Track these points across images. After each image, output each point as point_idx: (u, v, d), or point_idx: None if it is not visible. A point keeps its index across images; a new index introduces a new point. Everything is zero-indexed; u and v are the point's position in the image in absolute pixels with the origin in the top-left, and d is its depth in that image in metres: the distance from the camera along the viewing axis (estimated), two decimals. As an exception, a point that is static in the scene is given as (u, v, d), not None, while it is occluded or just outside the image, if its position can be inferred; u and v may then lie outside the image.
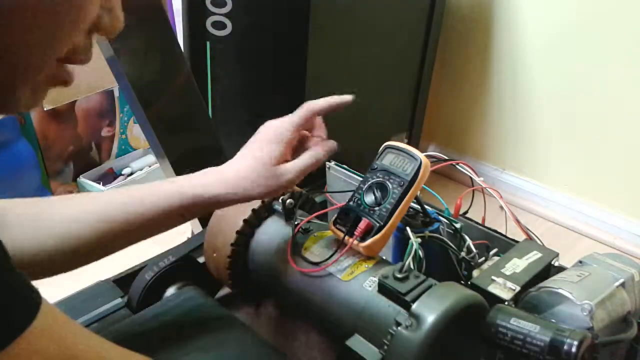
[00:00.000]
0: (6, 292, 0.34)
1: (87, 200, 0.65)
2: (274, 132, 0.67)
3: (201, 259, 0.90)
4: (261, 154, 0.66)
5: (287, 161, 0.67)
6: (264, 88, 1.33)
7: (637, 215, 1.54)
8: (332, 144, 0.70)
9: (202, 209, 0.66)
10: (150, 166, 1.86)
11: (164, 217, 0.64)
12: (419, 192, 0.71)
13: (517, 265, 0.72)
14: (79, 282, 0.87)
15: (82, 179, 1.76)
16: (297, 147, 0.70)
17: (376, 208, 0.69)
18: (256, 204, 0.81)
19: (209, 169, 0.68)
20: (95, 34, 0.42)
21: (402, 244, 0.73)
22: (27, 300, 0.36)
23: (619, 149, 1.51)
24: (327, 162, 1.01)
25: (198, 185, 0.65)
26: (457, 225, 0.76)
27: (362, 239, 0.69)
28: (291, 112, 0.70)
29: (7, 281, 0.35)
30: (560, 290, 0.64)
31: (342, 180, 0.98)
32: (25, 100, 0.40)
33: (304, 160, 0.67)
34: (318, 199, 0.95)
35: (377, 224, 0.68)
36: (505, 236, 0.87)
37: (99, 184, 1.74)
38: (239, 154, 0.68)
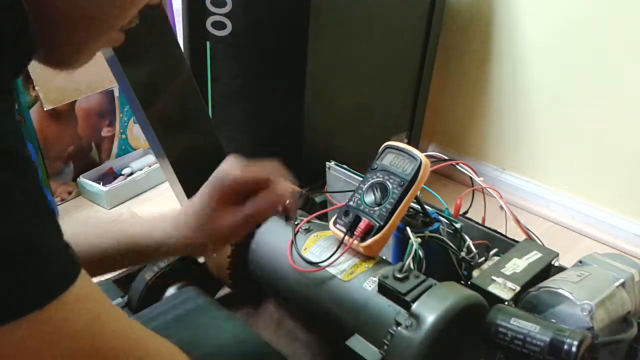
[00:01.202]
0: (49, 254, 0.35)
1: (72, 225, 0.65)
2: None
3: (201, 259, 0.90)
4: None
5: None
6: (264, 88, 1.33)
7: (637, 215, 1.54)
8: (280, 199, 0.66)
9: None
10: (150, 166, 1.86)
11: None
12: (419, 192, 0.71)
13: (517, 265, 0.72)
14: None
15: (82, 179, 1.76)
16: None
17: (376, 208, 0.69)
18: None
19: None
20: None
21: (402, 244, 0.73)
22: (67, 267, 0.36)
23: (619, 149, 1.51)
24: (327, 162, 1.02)
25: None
26: (457, 225, 0.76)
27: (362, 239, 0.69)
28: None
29: (52, 244, 0.35)
30: (560, 290, 0.64)
31: (342, 180, 0.99)
32: (85, 59, 0.44)
33: (245, 209, 0.65)
34: (318, 199, 0.95)
35: (377, 224, 0.68)
36: (505, 236, 0.87)
37: (99, 184, 1.74)
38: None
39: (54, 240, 0.36)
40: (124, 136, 1.91)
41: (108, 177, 1.82)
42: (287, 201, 0.66)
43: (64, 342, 0.35)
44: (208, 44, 1.28)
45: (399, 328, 0.59)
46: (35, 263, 0.33)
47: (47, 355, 0.35)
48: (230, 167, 0.66)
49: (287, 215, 0.74)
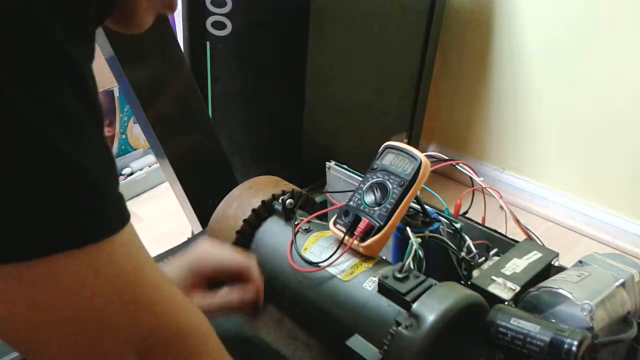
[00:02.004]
0: (110, 194, 0.37)
1: None
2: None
3: (201, 259, 0.90)
4: None
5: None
6: (264, 88, 1.33)
7: (637, 215, 1.54)
8: (249, 295, 0.70)
9: None
10: (150, 166, 1.86)
11: None
12: (419, 192, 0.71)
13: (517, 265, 0.72)
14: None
15: (82, 179, 1.76)
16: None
17: (376, 208, 0.69)
18: (256, 204, 0.81)
19: None
20: None
21: (402, 244, 0.73)
22: (123, 211, 0.38)
23: (619, 149, 1.51)
24: (327, 162, 1.02)
25: None
26: (457, 225, 0.76)
27: (362, 239, 0.69)
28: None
29: (113, 187, 0.38)
30: (560, 290, 0.64)
31: (342, 180, 0.99)
32: (147, 22, 0.48)
33: (217, 297, 0.69)
34: (318, 199, 0.95)
35: (377, 224, 0.68)
36: (505, 236, 0.87)
37: (99, 184, 1.74)
38: None
39: (114, 184, 0.38)
40: (124, 136, 1.91)
41: (108, 177, 1.82)
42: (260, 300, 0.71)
43: (107, 279, 0.37)
44: (208, 44, 1.28)
45: (399, 328, 0.59)
46: (99, 198, 0.36)
47: (89, 288, 0.36)
48: (204, 252, 0.68)
49: (287, 215, 0.74)
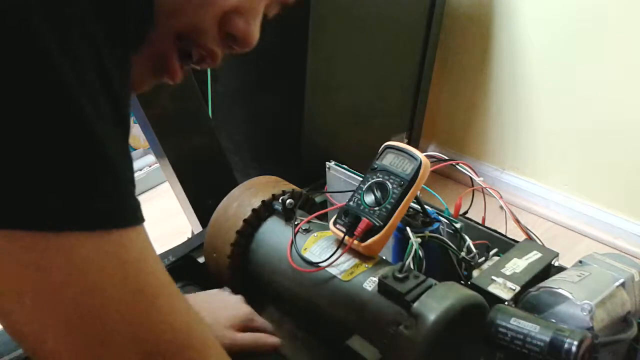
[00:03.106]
0: (131, 191, 0.38)
1: None
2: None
3: (201, 259, 0.90)
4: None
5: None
6: (264, 88, 1.33)
7: (637, 215, 1.54)
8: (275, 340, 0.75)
9: None
10: (150, 166, 1.86)
11: None
12: (419, 192, 0.71)
13: (517, 265, 0.72)
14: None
15: (82, 179, 1.76)
16: None
17: (376, 208, 0.69)
18: (256, 204, 0.81)
19: None
20: (225, 42, 0.48)
21: (402, 244, 0.73)
22: (136, 210, 0.39)
23: (619, 149, 1.51)
24: (327, 162, 1.02)
25: None
26: (457, 225, 0.76)
27: (362, 239, 0.69)
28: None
29: (132, 188, 0.39)
30: (560, 290, 0.64)
31: (342, 180, 0.99)
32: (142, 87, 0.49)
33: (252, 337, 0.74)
34: (318, 199, 0.95)
35: (377, 224, 0.68)
36: (505, 236, 0.87)
37: (99, 184, 1.74)
38: None
39: (132, 186, 0.39)
40: (124, 136, 1.91)
41: (108, 177, 1.82)
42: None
43: (115, 265, 0.37)
44: (208, 44, 1.28)
45: (399, 328, 0.59)
46: (120, 187, 0.37)
47: (96, 271, 0.36)
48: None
49: (287, 215, 0.74)
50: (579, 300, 0.62)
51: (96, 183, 0.35)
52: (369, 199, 0.70)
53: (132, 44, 0.41)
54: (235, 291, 0.87)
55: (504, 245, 0.81)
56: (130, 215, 0.38)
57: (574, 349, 0.55)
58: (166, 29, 0.45)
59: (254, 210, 0.80)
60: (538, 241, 0.81)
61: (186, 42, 0.47)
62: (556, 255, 0.75)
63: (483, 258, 0.77)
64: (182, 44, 0.47)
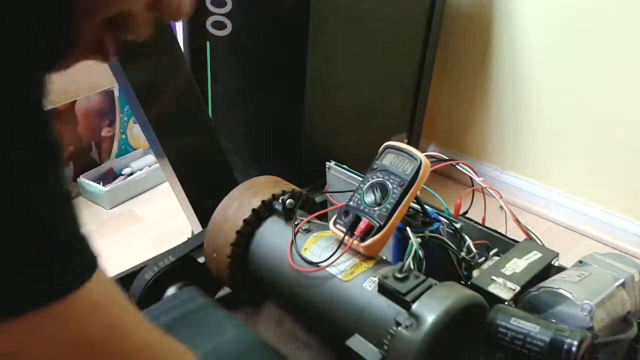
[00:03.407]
0: (64, 250, 0.34)
1: None
2: None
3: (201, 259, 0.90)
4: None
5: None
6: (264, 88, 1.33)
7: (637, 215, 1.54)
8: None
9: None
10: (150, 166, 1.86)
11: None
12: (419, 192, 0.71)
13: (517, 265, 0.72)
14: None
15: (82, 179, 1.76)
16: None
17: (376, 208, 0.69)
18: (256, 204, 0.81)
19: None
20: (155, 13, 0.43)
21: (402, 244, 0.73)
22: (82, 264, 0.36)
23: (619, 149, 1.51)
24: (327, 162, 1.02)
25: None
26: (457, 225, 0.76)
27: (362, 239, 0.69)
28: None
29: (68, 240, 0.35)
30: (560, 290, 0.64)
31: (342, 180, 0.99)
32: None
33: None
34: (318, 199, 0.95)
35: (377, 224, 0.68)
36: (505, 236, 0.87)
37: (99, 184, 1.74)
38: None
39: (77, 229, 0.35)
40: (124, 136, 1.91)
41: (108, 177, 1.82)
42: None
43: (79, 332, 0.35)
44: (208, 44, 1.28)
45: (399, 328, 0.59)
46: (63, 250, 0.33)
47: (63, 338, 0.35)
48: None
49: (287, 215, 0.73)
50: (579, 300, 0.62)
51: (35, 259, 0.32)
52: (369, 199, 0.70)
53: (51, 61, 0.38)
54: (235, 291, 0.87)
55: (504, 245, 0.81)
56: (78, 273, 0.35)
57: (574, 349, 0.55)
58: (95, 21, 0.41)
59: (254, 210, 0.80)
60: (538, 241, 0.81)
61: (116, 25, 0.43)
62: (556, 255, 0.75)
63: (483, 258, 0.77)
64: (111, 28, 0.44)
